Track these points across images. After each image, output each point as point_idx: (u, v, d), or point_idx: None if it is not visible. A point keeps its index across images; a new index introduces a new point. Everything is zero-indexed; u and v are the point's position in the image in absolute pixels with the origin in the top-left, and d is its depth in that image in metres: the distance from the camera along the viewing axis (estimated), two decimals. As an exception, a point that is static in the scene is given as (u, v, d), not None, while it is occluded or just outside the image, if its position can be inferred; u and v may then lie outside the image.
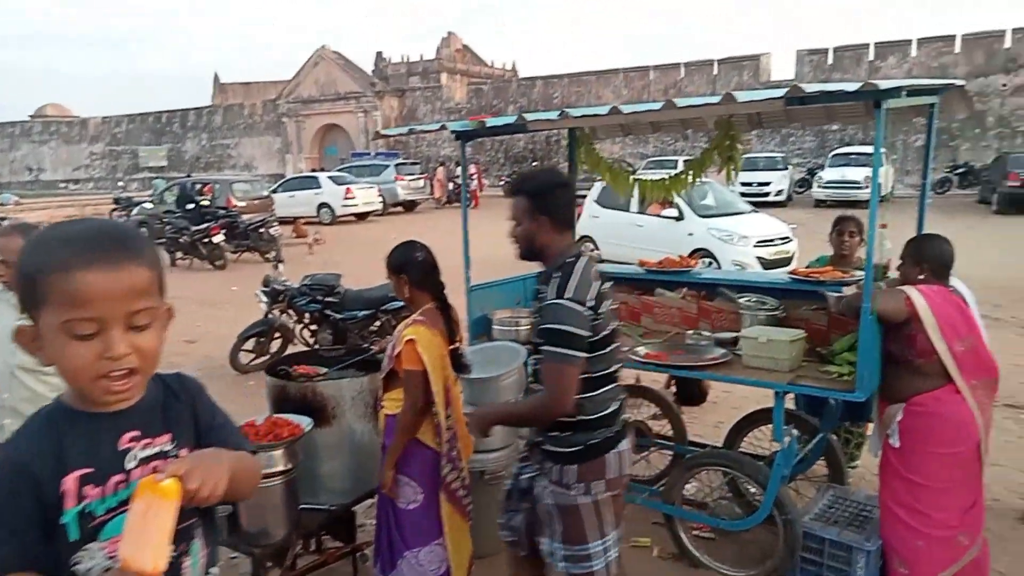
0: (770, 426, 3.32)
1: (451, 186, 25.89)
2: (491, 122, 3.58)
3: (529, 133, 32.78)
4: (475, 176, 27.28)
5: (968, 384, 2.87)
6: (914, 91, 3.05)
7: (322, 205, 21.85)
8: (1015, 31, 24.35)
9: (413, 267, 2.75)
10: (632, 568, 3.48)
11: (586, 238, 12.18)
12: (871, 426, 3.55)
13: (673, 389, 5.76)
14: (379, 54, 39.00)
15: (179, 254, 14.11)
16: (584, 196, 12.81)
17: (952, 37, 25.38)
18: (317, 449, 2.94)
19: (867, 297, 2.85)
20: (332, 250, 15.60)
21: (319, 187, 22.12)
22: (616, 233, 11.56)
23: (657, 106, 2.96)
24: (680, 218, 10.71)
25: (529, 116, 3.45)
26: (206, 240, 13.65)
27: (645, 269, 4.36)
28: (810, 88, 2.80)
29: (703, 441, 4.38)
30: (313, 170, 28.51)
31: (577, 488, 2.24)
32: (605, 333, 2.22)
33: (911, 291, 2.91)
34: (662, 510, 3.51)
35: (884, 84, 2.67)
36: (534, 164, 31.89)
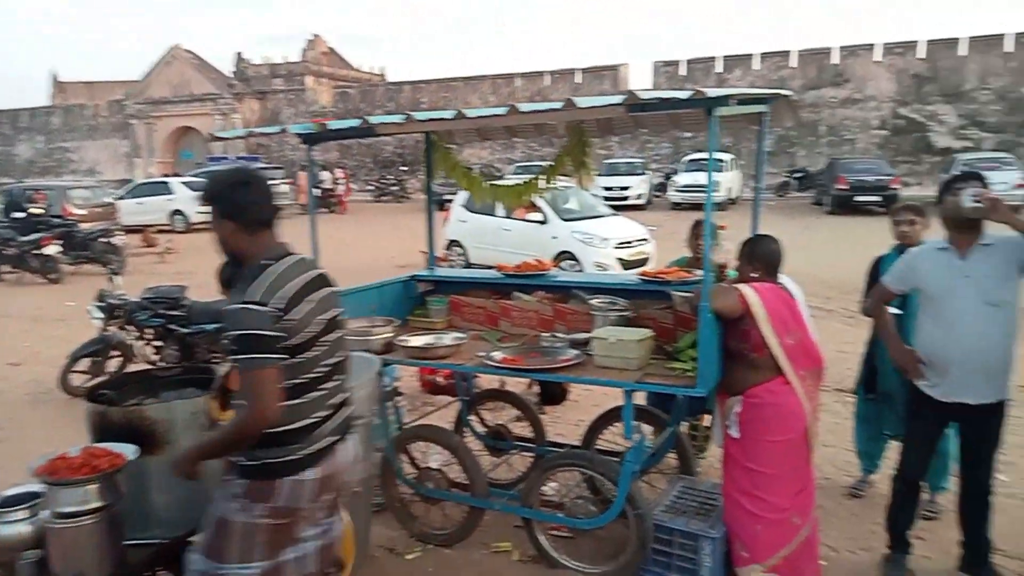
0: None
1: (316, 191, 25.09)
2: (333, 125, 3.46)
3: (398, 137, 32.38)
4: (342, 181, 26.64)
5: (797, 374, 3.07)
6: (744, 100, 3.22)
7: (175, 212, 20.54)
8: (842, 48, 26.85)
9: None
10: (493, 573, 3.47)
11: (455, 243, 12.18)
12: (707, 417, 3.73)
13: (537, 390, 5.85)
14: (239, 55, 37.26)
15: (6, 267, 12.76)
16: (451, 201, 12.80)
17: (788, 53, 27.62)
18: (147, 479, 2.70)
19: (705, 296, 2.98)
20: (186, 260, 14.67)
21: (171, 193, 20.78)
22: (484, 237, 11.63)
23: (502, 111, 2.96)
24: (545, 222, 10.92)
25: (373, 119, 3.35)
26: (36, 252, 12.42)
27: (503, 273, 4.37)
28: (646, 95, 2.89)
29: (564, 441, 4.44)
30: (166, 175, 26.73)
31: (239, 503, 2.11)
32: (302, 339, 2.09)
33: (745, 289, 3.07)
34: (520, 513, 3.52)
35: (713, 92, 2.80)
36: (403, 168, 31.56)
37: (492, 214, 11.35)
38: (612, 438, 4.07)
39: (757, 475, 3.09)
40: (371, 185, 30.42)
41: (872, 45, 26.52)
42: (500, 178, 19.78)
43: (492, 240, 11.41)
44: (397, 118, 3.32)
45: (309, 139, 3.75)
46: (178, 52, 36.47)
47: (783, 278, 3.29)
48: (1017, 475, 4.30)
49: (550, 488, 3.79)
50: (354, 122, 3.40)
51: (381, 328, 3.75)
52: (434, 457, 3.91)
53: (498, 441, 4.39)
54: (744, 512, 3.11)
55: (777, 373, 3.05)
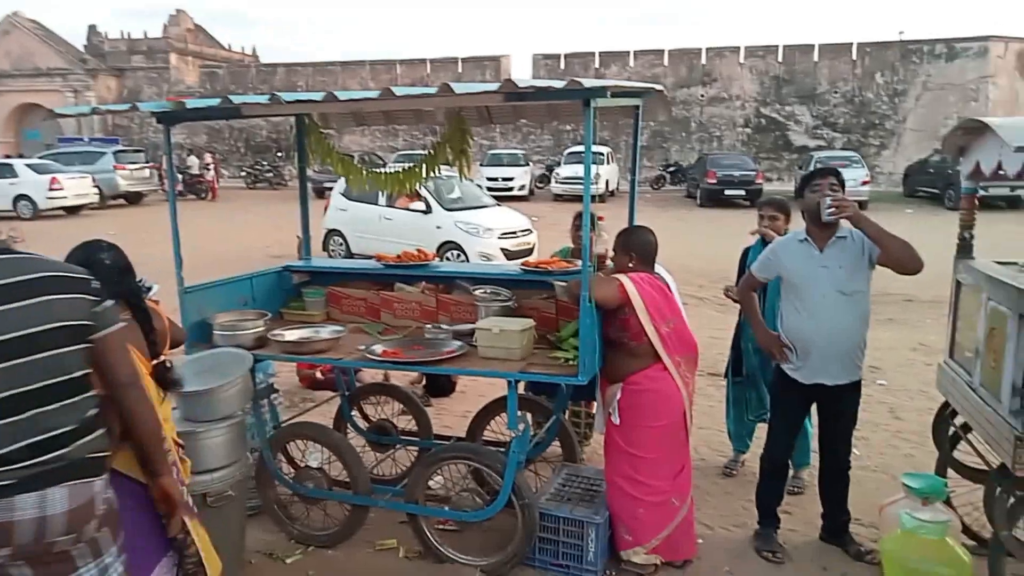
0: (510, 413, 3.38)
1: (182, 176, 23.57)
2: (192, 103, 3.20)
3: (273, 122, 30.88)
4: (211, 166, 25.22)
5: (673, 361, 3.17)
6: (620, 93, 3.27)
7: (20, 197, 18.74)
8: (708, 50, 28.24)
9: (97, 272, 2.31)
10: (379, 572, 3.36)
11: (334, 232, 11.79)
12: (594, 405, 3.79)
13: (423, 382, 5.75)
14: (92, 28, 34.35)
15: None
16: (330, 188, 12.38)
17: (661, 51, 28.75)
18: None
19: (585, 285, 3.00)
20: (33, 250, 13.33)
21: (15, 176, 18.93)
22: (365, 227, 11.33)
23: (374, 94, 2.84)
24: (428, 211, 10.79)
25: (237, 99, 3.13)
26: None
27: (384, 264, 4.24)
28: (523, 83, 2.86)
29: (450, 433, 4.39)
30: (8, 156, 24.26)
31: None
32: None
33: (623, 278, 3.12)
34: (405, 509, 3.43)
35: (589, 83, 2.80)
36: (279, 154, 30.29)
37: (374, 203, 11.08)
38: (498, 428, 4.06)
39: (638, 459, 3.17)
40: (244, 171, 28.97)
41: (737, 48, 28.07)
42: (382, 166, 19.40)
43: (373, 229, 11.14)
44: (263, 98, 3.12)
45: (166, 119, 3.45)
46: (18, 20, 33.09)
47: (658, 268, 3.38)
48: (869, 449, 4.67)
49: (436, 482, 3.72)
50: (214, 101, 3.15)
51: (253, 322, 3.53)
52: (313, 455, 3.74)
53: (382, 436, 4.27)
54: (626, 496, 3.18)
55: (655, 360, 3.13)
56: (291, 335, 3.52)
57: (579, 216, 4.30)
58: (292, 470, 3.72)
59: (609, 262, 3.53)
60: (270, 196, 25.16)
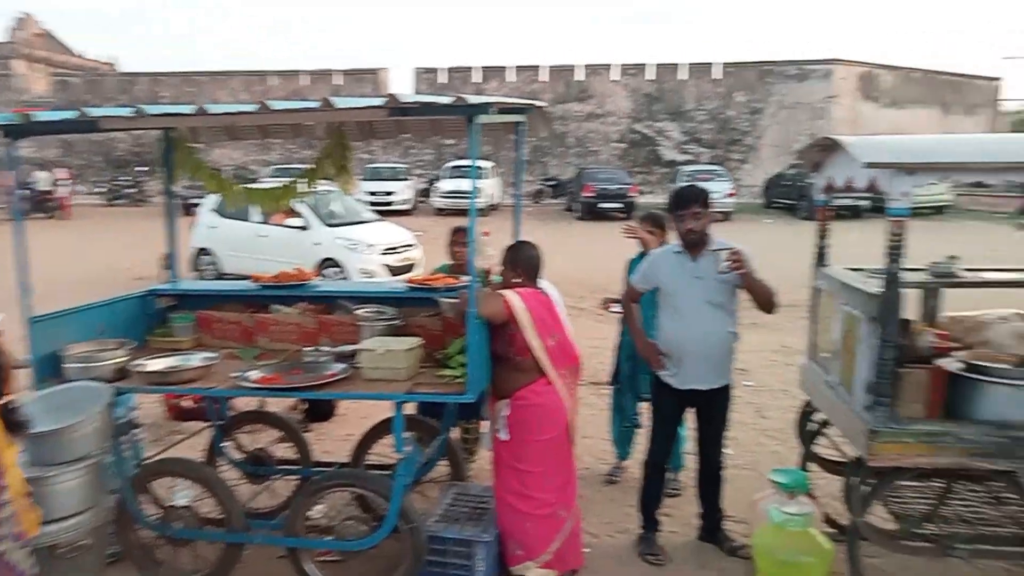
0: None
1: (26, 192, 21.58)
2: (43, 116, 2.94)
3: (134, 134, 28.95)
4: (65, 181, 23.32)
5: (558, 374, 3.21)
6: (504, 109, 3.30)
7: None
8: (585, 67, 29.23)
9: None
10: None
11: (203, 251, 11.19)
12: (484, 424, 3.78)
13: (302, 407, 5.53)
14: (-83, 28, 30.96)
15: None
16: (197, 204, 11.76)
17: (538, 68, 29.46)
18: None
19: (472, 302, 2.99)
20: None
21: None
22: (238, 245, 10.82)
23: (251, 108, 2.72)
24: (306, 228, 10.45)
25: (94, 112, 2.90)
26: None
27: (259, 285, 4.05)
28: (408, 98, 2.83)
29: (332, 459, 4.23)
30: None
31: None
32: None
33: (509, 294, 3.14)
34: (284, 543, 3.27)
35: (474, 100, 2.81)
36: (141, 168, 28.47)
37: (247, 219, 10.61)
38: (383, 451, 3.96)
39: (525, 474, 3.18)
40: (102, 187, 27.01)
41: (610, 65, 29.21)
42: (255, 181, 18.65)
43: (247, 248, 10.66)
44: (125, 111, 2.91)
45: (12, 132, 3.15)
46: None
47: (543, 282, 3.43)
48: (739, 448, 4.92)
49: (317, 511, 3.57)
50: (70, 114, 2.91)
51: (112, 352, 3.27)
52: (182, 493, 3.49)
53: (258, 467, 4.06)
54: (515, 511, 3.18)
55: (540, 374, 3.16)
56: (156, 364, 3.28)
57: (457, 231, 4.31)
58: (158, 510, 3.47)
59: (494, 277, 3.54)
60: (131, 214, 23.58)
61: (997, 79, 30.24)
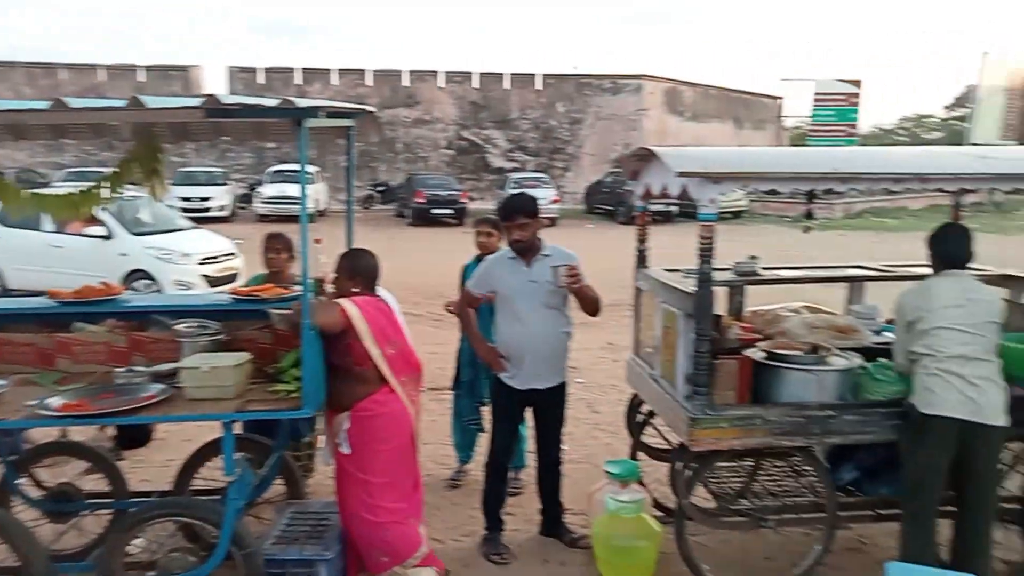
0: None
1: None
2: None
3: None
4: None
5: (400, 382, 3.17)
6: (333, 113, 3.22)
7: None
8: (411, 72, 29.14)
9: None
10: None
11: (-16, 265, 9.83)
12: (321, 439, 3.65)
13: (111, 433, 5.01)
14: None
15: None
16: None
17: (364, 72, 28.97)
18: None
19: (306, 312, 2.87)
20: None
21: None
22: (27, 257, 9.60)
23: (43, 105, 2.42)
24: (109, 237, 9.51)
25: None
26: None
27: (58, 302, 3.62)
28: (229, 100, 2.67)
29: (151, 488, 3.87)
30: None
31: None
32: None
33: (345, 303, 3.06)
34: (100, 586, 2.96)
35: (303, 103, 2.71)
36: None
37: (37, 228, 9.46)
38: (210, 474, 3.69)
39: (372, 485, 3.11)
40: None
41: (436, 72, 29.37)
42: (46, 185, 16.70)
43: (40, 260, 9.49)
44: None
45: None
46: None
47: (381, 290, 3.38)
48: (575, 443, 5.13)
49: (137, 546, 3.26)
50: None
51: None
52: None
53: (62, 503, 3.63)
54: (368, 523, 3.11)
55: (382, 383, 3.11)
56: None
57: (271, 238, 4.10)
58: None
59: (329, 286, 3.43)
60: None
61: (779, 98, 33.96)
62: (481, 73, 29.48)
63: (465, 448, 4.58)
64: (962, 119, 35.25)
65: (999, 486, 3.45)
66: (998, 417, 2.95)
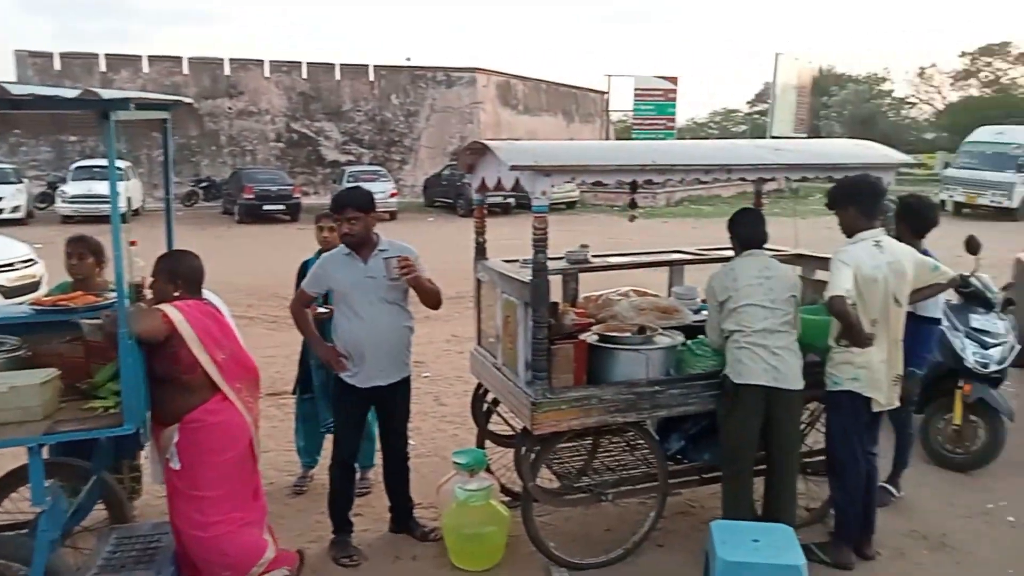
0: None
1: None
2: None
3: None
4: None
5: (234, 388, 3.02)
6: (144, 105, 2.98)
7: None
8: (232, 60, 27.48)
9: None
10: None
11: None
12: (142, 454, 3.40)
13: None
14: None
15: None
16: None
17: (180, 59, 26.92)
18: None
19: (123, 320, 2.66)
20: None
21: None
22: None
23: None
24: None
25: None
26: None
27: None
28: (19, 89, 2.40)
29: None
30: None
31: None
32: None
33: (167, 308, 2.86)
34: None
35: (109, 94, 2.49)
36: None
37: None
38: (15, 506, 3.31)
39: (204, 500, 2.94)
40: None
41: (261, 61, 27.92)
42: None
43: None
44: None
45: None
46: None
47: (207, 293, 3.19)
48: (422, 437, 5.15)
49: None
50: None
51: None
52: None
53: None
54: (202, 541, 2.93)
55: (214, 392, 2.95)
56: None
57: (72, 242, 3.70)
58: None
59: (148, 291, 3.18)
60: None
61: (605, 92, 35.70)
62: (309, 63, 28.44)
63: (311, 453, 4.43)
64: (763, 114, 38.98)
65: (801, 443, 3.90)
66: (796, 382, 3.32)
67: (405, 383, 3.69)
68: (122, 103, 2.54)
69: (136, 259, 3.31)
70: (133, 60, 26.29)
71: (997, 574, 3.55)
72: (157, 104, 3.25)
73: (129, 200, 19.76)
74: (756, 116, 49.00)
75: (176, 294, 2.99)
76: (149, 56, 26.52)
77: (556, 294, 3.87)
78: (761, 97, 47.47)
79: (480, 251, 4.09)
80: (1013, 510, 4.14)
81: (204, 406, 2.91)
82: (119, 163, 2.64)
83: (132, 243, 3.26)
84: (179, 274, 3.04)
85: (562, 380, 3.34)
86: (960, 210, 20.69)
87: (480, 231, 4.09)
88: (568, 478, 3.74)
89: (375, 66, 29.14)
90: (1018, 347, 4.70)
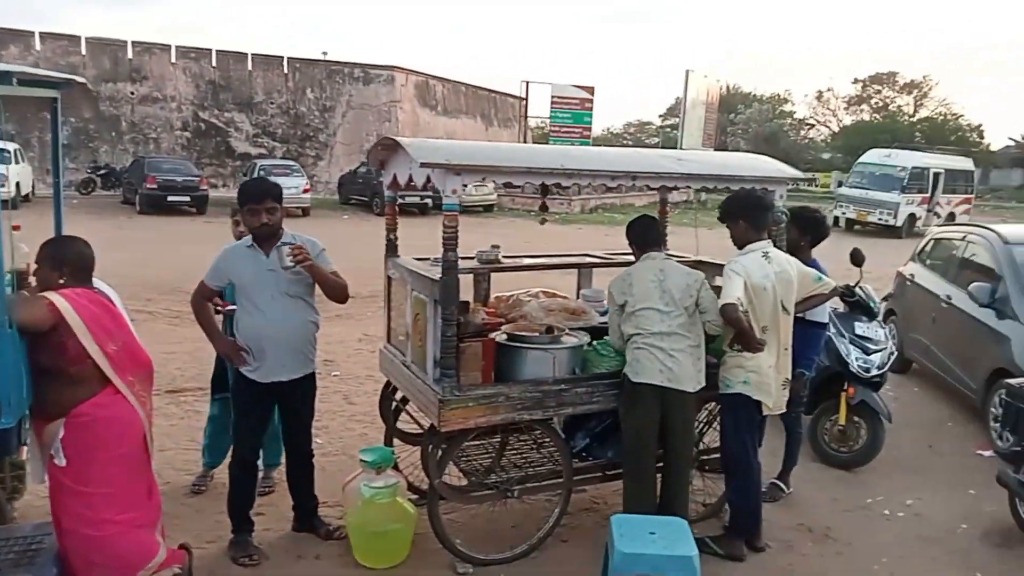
0: None
1: None
2: None
3: None
4: None
5: (126, 382, 2.88)
6: (30, 81, 2.81)
7: None
8: (136, 44, 26.13)
9: None
10: None
11: None
12: (24, 450, 3.20)
13: None
14: None
15: None
16: None
17: (78, 38, 25.37)
18: None
19: (2, 309, 2.50)
20: None
21: None
22: None
23: None
24: None
25: None
26: None
27: None
28: None
29: None
30: None
31: None
32: None
33: (54, 296, 2.71)
34: None
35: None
36: None
37: None
38: None
39: (94, 496, 2.79)
40: None
41: (168, 46, 26.70)
42: None
43: None
44: None
45: None
46: None
47: (97, 282, 3.04)
48: (330, 436, 5.06)
49: None
50: None
51: None
52: None
53: None
54: (90, 539, 2.78)
55: (104, 384, 2.81)
56: None
57: None
58: None
59: (33, 279, 3.00)
60: None
61: (524, 98, 36.05)
62: (219, 51, 27.41)
63: (215, 454, 4.25)
64: (675, 127, 40.34)
65: (698, 441, 4.07)
66: (690, 384, 3.47)
67: (309, 379, 3.63)
68: (5, 77, 2.39)
69: (20, 244, 3.12)
70: (24, 36, 24.53)
71: (873, 563, 3.81)
72: (45, 81, 3.07)
73: (18, 185, 18.63)
74: (668, 129, 50.65)
75: (61, 281, 2.83)
76: (41, 33, 24.83)
77: (468, 294, 3.90)
78: (672, 111, 49.13)
79: (391, 248, 4.06)
80: (889, 504, 4.46)
81: (93, 399, 2.76)
82: (7, 145, 2.48)
83: (15, 227, 3.08)
84: (65, 261, 2.88)
85: (470, 378, 3.36)
86: (852, 226, 22.03)
87: (391, 228, 4.07)
88: (475, 475, 3.76)
89: (289, 58, 28.40)
90: (896, 354, 5.07)
